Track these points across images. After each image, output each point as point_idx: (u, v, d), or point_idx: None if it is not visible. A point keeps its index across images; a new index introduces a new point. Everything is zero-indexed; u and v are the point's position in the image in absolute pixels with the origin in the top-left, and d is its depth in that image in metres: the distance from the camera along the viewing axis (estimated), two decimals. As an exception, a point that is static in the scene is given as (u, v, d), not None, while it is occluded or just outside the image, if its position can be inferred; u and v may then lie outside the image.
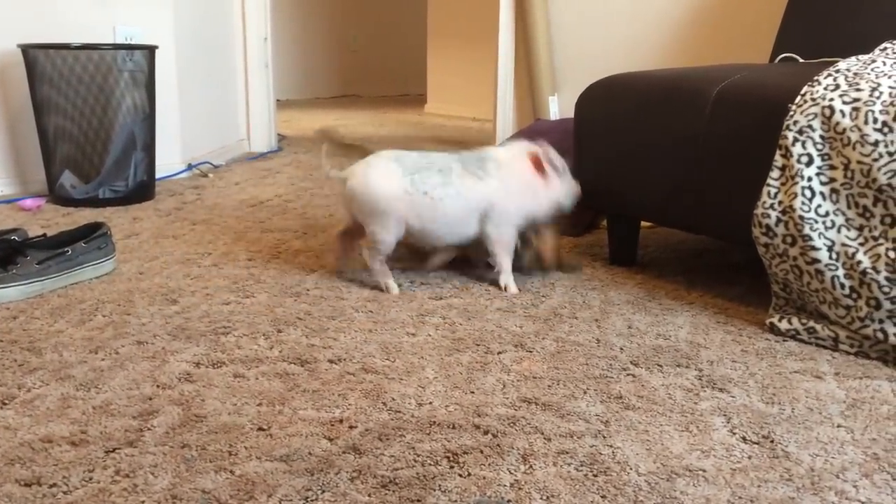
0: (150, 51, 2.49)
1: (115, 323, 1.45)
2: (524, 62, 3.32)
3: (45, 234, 1.73)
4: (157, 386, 1.20)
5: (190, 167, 2.97)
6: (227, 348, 1.35)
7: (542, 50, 3.20)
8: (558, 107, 3.24)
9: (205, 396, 1.17)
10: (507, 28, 3.36)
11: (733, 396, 1.19)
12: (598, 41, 3.10)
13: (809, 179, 1.37)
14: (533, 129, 2.60)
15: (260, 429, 1.07)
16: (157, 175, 2.66)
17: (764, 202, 1.42)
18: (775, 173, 1.41)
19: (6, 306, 1.52)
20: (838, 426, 1.10)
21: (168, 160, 2.85)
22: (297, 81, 6.36)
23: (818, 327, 1.39)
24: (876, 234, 1.32)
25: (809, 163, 1.37)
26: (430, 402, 1.16)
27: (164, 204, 2.49)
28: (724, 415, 1.13)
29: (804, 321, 1.41)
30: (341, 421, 1.10)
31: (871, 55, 1.53)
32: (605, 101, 1.78)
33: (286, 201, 2.57)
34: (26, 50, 2.36)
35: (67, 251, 1.65)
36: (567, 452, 1.02)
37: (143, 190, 2.51)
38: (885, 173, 1.29)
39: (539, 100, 3.24)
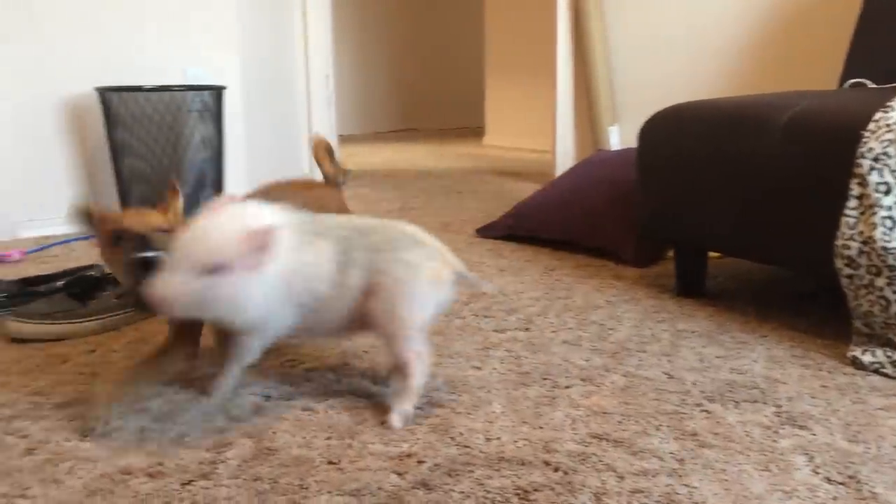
0: (218, 91, 2.57)
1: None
2: (583, 93, 3.31)
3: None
4: (230, 419, 1.21)
5: (255, 202, 3.04)
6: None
7: (601, 80, 3.20)
8: (619, 137, 3.22)
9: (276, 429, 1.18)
10: (566, 59, 3.37)
11: (815, 434, 1.15)
12: (658, 71, 3.08)
13: (889, 209, 1.32)
14: (594, 159, 2.58)
15: (330, 462, 1.08)
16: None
17: (843, 233, 1.37)
18: (852, 203, 1.37)
19: (85, 340, 1.57)
20: (929, 466, 1.05)
21: (235, 196, 2.92)
22: (356, 116, 6.47)
23: (902, 361, 1.33)
24: (962, 263, 1.26)
25: (888, 192, 1.33)
26: (499, 438, 1.15)
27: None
28: (806, 453, 1.09)
29: (889, 354, 1.36)
30: (409, 455, 1.10)
31: (949, 79, 1.48)
32: (670, 130, 1.76)
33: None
34: (102, 92, 2.46)
35: (142, 286, 1.70)
36: (641, 492, 1.00)
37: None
38: (970, 200, 1.24)
39: (599, 130, 3.23)
